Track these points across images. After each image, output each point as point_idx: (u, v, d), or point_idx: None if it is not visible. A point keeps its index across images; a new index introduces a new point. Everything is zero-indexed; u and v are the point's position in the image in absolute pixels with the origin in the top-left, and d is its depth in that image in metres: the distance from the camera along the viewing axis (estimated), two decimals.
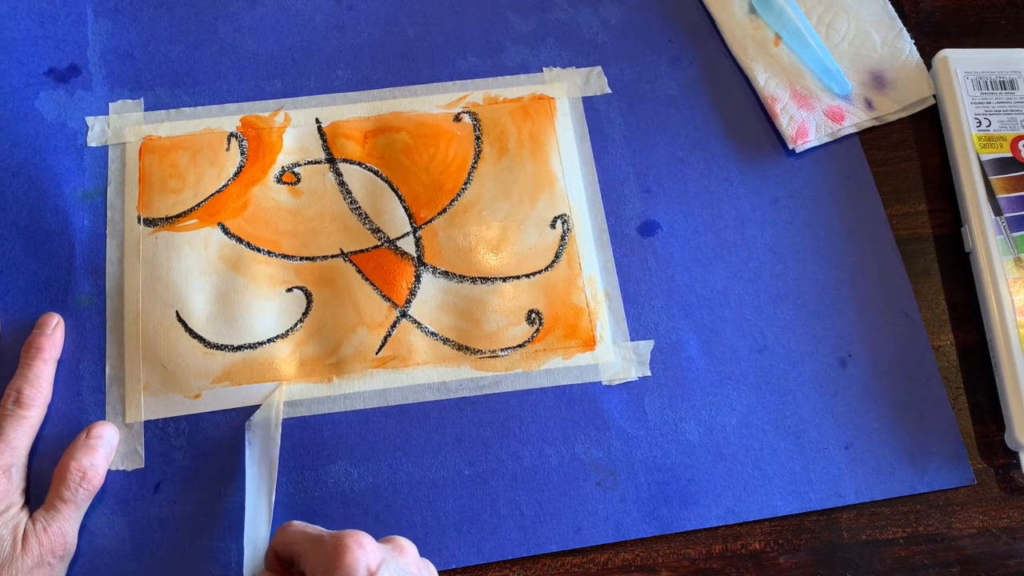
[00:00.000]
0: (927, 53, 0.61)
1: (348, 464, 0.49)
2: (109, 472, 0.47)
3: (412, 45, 0.59)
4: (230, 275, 0.52)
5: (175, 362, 0.50)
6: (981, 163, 0.56)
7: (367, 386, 0.50)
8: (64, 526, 0.44)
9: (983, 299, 0.54)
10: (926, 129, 0.60)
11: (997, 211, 0.55)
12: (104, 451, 0.47)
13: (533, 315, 0.52)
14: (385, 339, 0.51)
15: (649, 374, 0.51)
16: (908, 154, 0.59)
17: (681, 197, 0.56)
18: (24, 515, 0.44)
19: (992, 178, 0.56)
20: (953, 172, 0.58)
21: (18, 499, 0.45)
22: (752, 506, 0.49)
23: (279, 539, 0.41)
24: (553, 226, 0.54)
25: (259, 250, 0.53)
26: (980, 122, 0.57)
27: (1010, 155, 0.56)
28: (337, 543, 0.38)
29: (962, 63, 0.59)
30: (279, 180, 0.54)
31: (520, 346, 0.52)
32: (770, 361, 0.52)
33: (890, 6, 0.62)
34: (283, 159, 0.55)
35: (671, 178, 0.56)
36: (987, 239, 0.54)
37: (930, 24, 0.63)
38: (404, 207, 0.54)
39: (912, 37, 0.61)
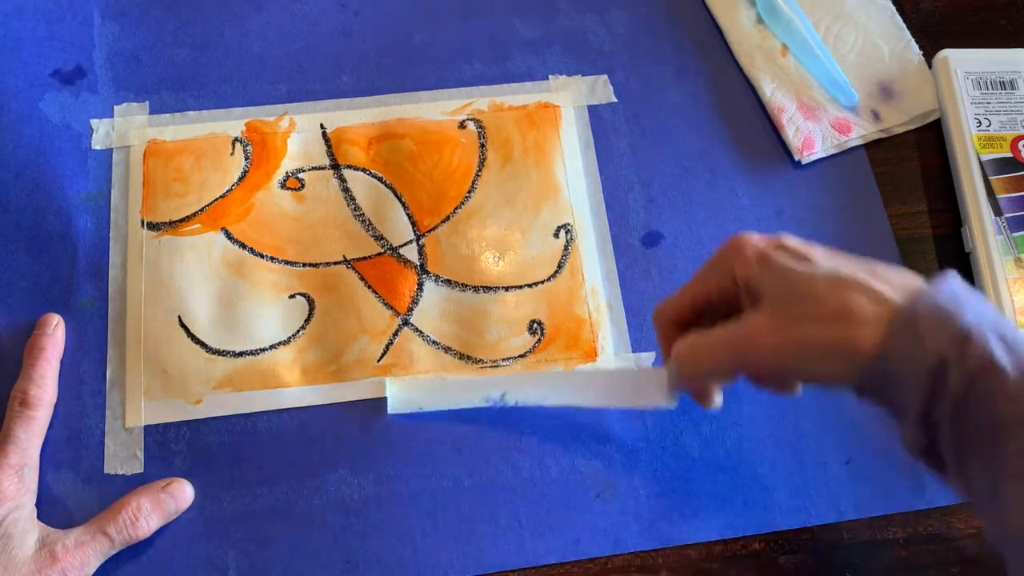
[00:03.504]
0: (927, 53, 0.61)
1: (348, 472, 0.48)
2: (107, 476, 0.47)
3: (418, 51, 0.59)
4: (233, 281, 0.52)
5: (176, 367, 0.49)
6: (981, 163, 0.56)
7: (368, 394, 0.50)
8: (91, 557, 0.44)
9: None
10: (926, 129, 0.60)
11: (997, 211, 0.55)
12: (169, 509, 0.46)
13: (535, 325, 0.52)
14: (387, 347, 0.51)
15: None
16: (908, 154, 0.59)
17: (685, 207, 0.56)
18: (34, 516, 0.44)
19: (992, 178, 0.56)
20: (953, 172, 0.57)
21: (30, 500, 0.45)
22: (751, 521, 0.48)
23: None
24: (557, 236, 0.54)
25: (262, 256, 0.52)
26: (980, 122, 0.57)
27: (1010, 155, 0.56)
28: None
29: (962, 63, 0.59)
30: (283, 186, 0.54)
31: (521, 356, 0.51)
32: None
33: (899, 17, 0.61)
34: (287, 164, 0.55)
35: (675, 188, 0.56)
36: (987, 239, 0.54)
37: (930, 24, 0.63)
38: (407, 214, 0.54)
39: (912, 37, 0.61)
